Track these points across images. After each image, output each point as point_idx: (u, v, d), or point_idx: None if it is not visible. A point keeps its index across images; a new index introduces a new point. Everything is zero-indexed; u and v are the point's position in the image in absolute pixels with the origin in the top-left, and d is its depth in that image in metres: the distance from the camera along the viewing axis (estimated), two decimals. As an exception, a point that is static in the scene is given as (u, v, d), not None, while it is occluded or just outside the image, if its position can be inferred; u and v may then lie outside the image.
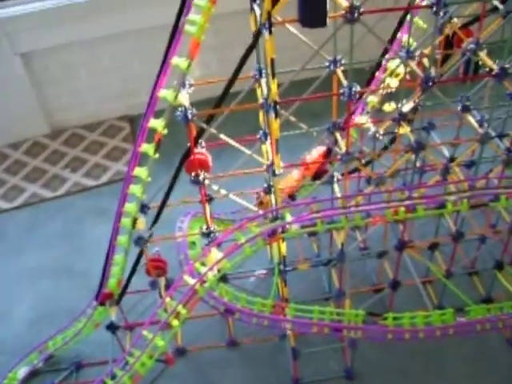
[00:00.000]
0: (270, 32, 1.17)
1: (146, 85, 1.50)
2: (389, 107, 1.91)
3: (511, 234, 1.88)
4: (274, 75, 1.22)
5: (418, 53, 1.69)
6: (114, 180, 2.76)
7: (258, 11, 1.33)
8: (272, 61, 1.19)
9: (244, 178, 1.70)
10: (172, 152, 1.63)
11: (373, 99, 1.86)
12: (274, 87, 1.24)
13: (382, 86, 1.80)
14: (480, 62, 1.63)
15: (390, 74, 1.85)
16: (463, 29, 1.74)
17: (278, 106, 1.28)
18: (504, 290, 1.97)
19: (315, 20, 1.21)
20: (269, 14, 1.15)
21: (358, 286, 2.10)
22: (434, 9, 1.30)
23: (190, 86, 1.47)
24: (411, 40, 1.73)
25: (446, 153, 1.83)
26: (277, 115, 1.28)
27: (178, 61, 1.36)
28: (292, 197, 2.00)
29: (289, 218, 1.45)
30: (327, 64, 1.48)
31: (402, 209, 1.46)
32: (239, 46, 1.43)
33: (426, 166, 1.80)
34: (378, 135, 1.85)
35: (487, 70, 1.54)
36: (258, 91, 1.58)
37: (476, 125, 1.59)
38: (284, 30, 1.30)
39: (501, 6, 1.64)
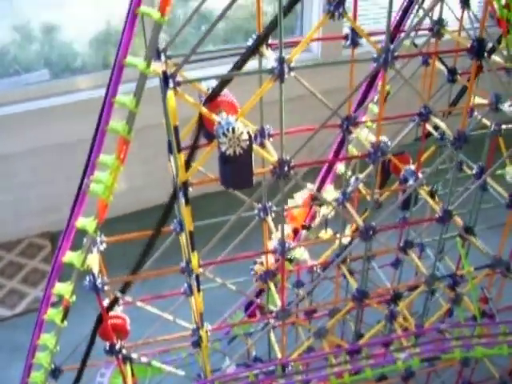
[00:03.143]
0: (187, 202, 1.01)
1: (68, 200, 1.32)
2: (325, 234, 1.79)
3: (464, 365, 1.75)
4: (193, 248, 1.05)
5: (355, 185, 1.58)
6: (32, 309, 2.49)
7: (173, 166, 1.17)
8: (191, 233, 1.03)
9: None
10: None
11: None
12: (194, 260, 1.07)
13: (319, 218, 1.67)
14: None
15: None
16: (399, 155, 1.64)
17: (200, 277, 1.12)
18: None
19: (240, 182, 1.06)
20: (184, 184, 0.99)
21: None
22: (372, 157, 1.17)
23: (102, 242, 1.29)
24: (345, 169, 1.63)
25: (388, 284, 1.70)
26: (199, 289, 1.11)
27: (84, 222, 1.18)
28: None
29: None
30: (256, 211, 1.34)
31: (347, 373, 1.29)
32: (165, 158, 1.28)
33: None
34: (315, 269, 1.72)
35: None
36: (181, 240, 1.41)
37: (420, 265, 1.47)
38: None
39: (435, 133, 1.56)
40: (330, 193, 1.63)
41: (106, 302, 1.33)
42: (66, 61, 2.90)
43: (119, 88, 1.09)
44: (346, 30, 1.25)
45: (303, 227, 1.66)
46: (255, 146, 1.05)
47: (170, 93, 0.93)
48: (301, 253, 1.68)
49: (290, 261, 1.66)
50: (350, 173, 1.65)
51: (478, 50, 1.14)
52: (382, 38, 1.20)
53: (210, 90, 1.11)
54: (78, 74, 2.88)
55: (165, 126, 1.24)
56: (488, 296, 1.60)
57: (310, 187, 1.59)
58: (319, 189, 1.60)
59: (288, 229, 1.63)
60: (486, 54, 1.23)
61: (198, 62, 1.15)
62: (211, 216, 1.40)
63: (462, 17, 1.47)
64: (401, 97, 1.53)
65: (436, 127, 1.57)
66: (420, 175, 1.48)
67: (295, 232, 1.65)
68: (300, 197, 1.60)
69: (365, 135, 1.57)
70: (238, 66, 1.06)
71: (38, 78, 2.77)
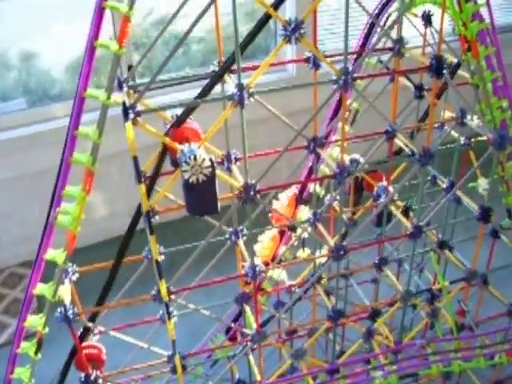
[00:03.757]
0: (151, 231, 1.01)
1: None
2: (303, 253, 1.79)
3: (447, 379, 1.76)
4: (161, 277, 1.05)
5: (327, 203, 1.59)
6: (14, 340, 2.47)
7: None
8: (158, 262, 1.03)
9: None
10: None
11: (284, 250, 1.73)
12: (163, 289, 1.07)
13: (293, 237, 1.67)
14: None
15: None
16: (371, 173, 1.65)
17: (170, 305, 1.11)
18: None
19: (205, 208, 1.07)
20: (147, 213, 0.99)
21: None
22: (338, 178, 1.18)
23: (74, 273, 1.28)
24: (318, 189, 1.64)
25: (366, 302, 1.70)
26: (169, 316, 1.11)
27: (53, 254, 1.18)
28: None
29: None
30: (227, 236, 1.34)
31: (325, 393, 1.29)
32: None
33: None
34: (293, 288, 1.72)
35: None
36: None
37: (396, 282, 1.47)
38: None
39: (406, 149, 1.57)
40: (304, 213, 1.63)
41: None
42: (43, 88, 2.90)
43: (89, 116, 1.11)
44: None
45: (289, 228, 1.64)
46: (219, 172, 1.06)
47: (128, 124, 0.93)
48: (278, 273, 1.68)
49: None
50: (323, 192, 1.66)
51: (437, 67, 1.16)
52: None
53: (175, 118, 1.12)
54: (56, 101, 2.88)
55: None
56: (465, 309, 1.61)
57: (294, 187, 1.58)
58: (281, 235, 1.61)
59: (274, 231, 1.61)
60: (447, 70, 1.25)
61: (162, 88, 1.15)
62: (194, 237, 1.39)
63: (425, 33, 1.49)
64: (373, 112, 1.54)
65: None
66: (391, 191, 1.49)
67: (281, 234, 1.64)
68: (285, 196, 1.59)
69: (336, 154, 1.59)
70: (202, 94, 1.06)
71: (15, 107, 2.78)
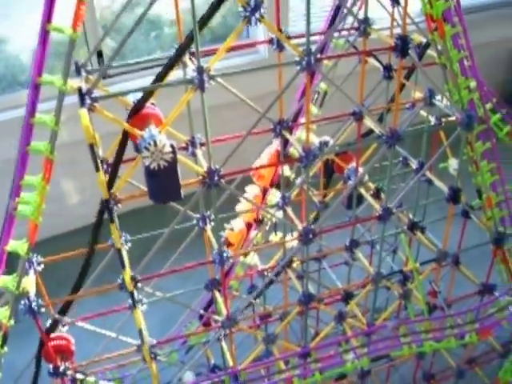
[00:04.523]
0: (112, 219, 0.99)
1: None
2: (275, 237, 1.78)
3: (420, 358, 1.77)
4: (123, 266, 1.03)
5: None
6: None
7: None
8: (119, 251, 1.01)
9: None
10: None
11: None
12: (127, 277, 1.05)
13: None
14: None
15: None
16: (341, 155, 1.64)
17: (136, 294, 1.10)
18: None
19: (168, 195, 1.05)
20: (107, 202, 0.97)
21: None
22: (303, 162, 1.16)
23: (39, 263, 1.26)
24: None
25: (339, 284, 1.69)
26: (135, 305, 1.09)
27: (15, 245, 1.15)
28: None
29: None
30: (195, 222, 1.32)
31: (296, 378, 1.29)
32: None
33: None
34: (266, 273, 1.71)
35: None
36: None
37: (367, 264, 1.47)
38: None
39: (376, 130, 1.56)
40: (275, 196, 1.62)
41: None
42: (12, 73, 2.85)
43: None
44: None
45: (272, 185, 1.61)
46: (181, 158, 1.04)
47: (83, 110, 0.91)
48: (251, 257, 1.67)
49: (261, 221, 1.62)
50: (293, 175, 1.64)
51: (402, 47, 1.14)
52: (316, 38, 1.19)
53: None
54: (25, 87, 2.83)
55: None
56: (436, 290, 1.61)
57: (277, 143, 1.54)
58: (264, 193, 1.59)
59: (256, 189, 1.58)
60: (414, 50, 1.23)
61: (119, 75, 1.12)
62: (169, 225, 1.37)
63: (393, 13, 1.47)
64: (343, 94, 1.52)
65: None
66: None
67: (264, 192, 1.60)
68: (268, 153, 1.53)
69: (304, 137, 1.57)
70: (160, 77, 1.04)
71: (-17, 95, 2.72)
